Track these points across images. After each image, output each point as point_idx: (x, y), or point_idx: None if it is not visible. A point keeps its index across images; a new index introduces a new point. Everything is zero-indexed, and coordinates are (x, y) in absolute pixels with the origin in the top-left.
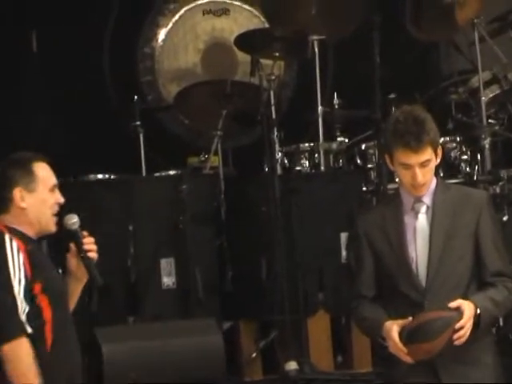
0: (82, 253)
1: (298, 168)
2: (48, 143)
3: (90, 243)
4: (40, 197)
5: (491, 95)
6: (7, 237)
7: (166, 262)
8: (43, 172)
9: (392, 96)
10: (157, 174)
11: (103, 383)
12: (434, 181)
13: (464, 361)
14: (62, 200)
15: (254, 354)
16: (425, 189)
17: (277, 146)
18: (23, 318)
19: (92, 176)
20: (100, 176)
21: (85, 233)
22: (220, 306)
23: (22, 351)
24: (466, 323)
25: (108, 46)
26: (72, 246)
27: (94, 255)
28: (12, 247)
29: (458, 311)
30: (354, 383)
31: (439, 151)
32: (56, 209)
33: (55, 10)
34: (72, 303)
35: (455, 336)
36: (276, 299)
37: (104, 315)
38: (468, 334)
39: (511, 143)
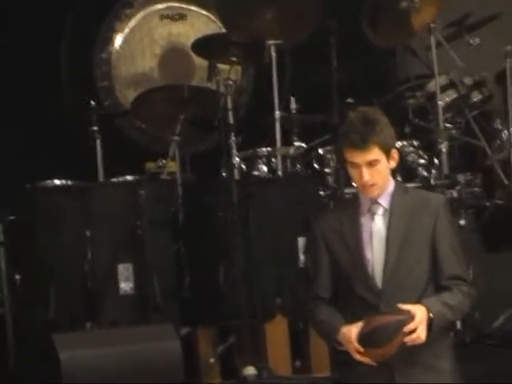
0: None
1: (255, 173)
2: (4, 149)
3: None
4: None
5: (448, 100)
6: None
7: (123, 268)
8: None
9: (349, 100)
10: (114, 180)
11: None
12: (392, 184)
13: (420, 365)
14: None
15: (212, 360)
16: (375, 190)
17: (234, 151)
18: None
19: (49, 182)
20: (57, 182)
21: None
22: (178, 312)
23: None
24: (418, 326)
25: (65, 51)
26: None
27: None
28: None
29: (409, 315)
30: None
31: (394, 154)
32: None
33: (12, 12)
34: None
35: (407, 339)
36: (234, 304)
37: (61, 322)
38: (421, 337)
39: (468, 147)
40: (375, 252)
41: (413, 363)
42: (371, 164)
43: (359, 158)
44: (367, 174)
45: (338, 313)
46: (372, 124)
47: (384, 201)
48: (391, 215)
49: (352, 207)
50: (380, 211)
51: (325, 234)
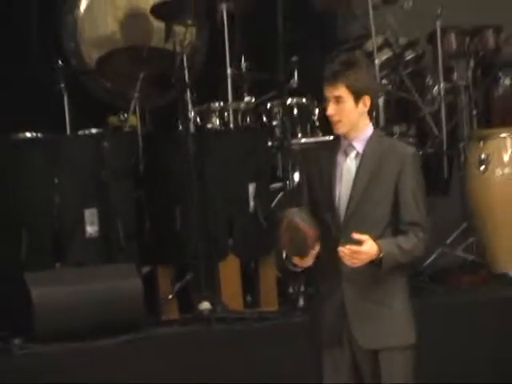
0: None
1: (209, 126)
2: None
3: None
4: None
5: (384, 58)
6: None
7: (89, 213)
8: None
9: (294, 59)
10: (80, 133)
11: (33, 325)
12: (370, 131)
13: (372, 300)
14: None
15: (171, 296)
16: (340, 127)
17: (190, 106)
18: None
19: (21, 134)
20: (28, 134)
21: None
22: (139, 253)
23: None
24: (362, 253)
25: (35, 12)
26: None
27: None
28: None
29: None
30: (260, 320)
31: (365, 100)
32: None
33: None
34: None
35: (348, 259)
36: (190, 246)
37: (32, 262)
38: (357, 263)
39: (403, 101)
40: (343, 188)
41: (365, 298)
42: (337, 100)
43: (328, 91)
44: (332, 109)
45: None
46: (347, 65)
47: (358, 144)
48: (362, 158)
49: (332, 148)
50: (353, 153)
51: (308, 173)
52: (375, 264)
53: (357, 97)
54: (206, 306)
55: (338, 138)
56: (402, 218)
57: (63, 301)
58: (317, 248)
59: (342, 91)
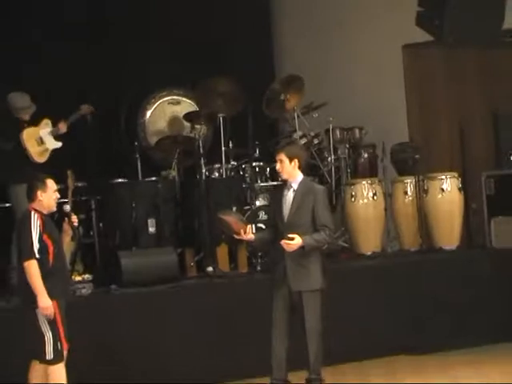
0: (70, 222)
1: (212, 176)
2: None
3: (74, 219)
4: (48, 195)
5: (302, 143)
6: (32, 212)
7: (150, 221)
8: (50, 183)
9: (257, 143)
10: (146, 179)
11: (122, 277)
12: (301, 177)
13: (298, 264)
14: (56, 196)
15: (192, 264)
16: (284, 175)
17: (202, 166)
18: (36, 250)
19: (116, 180)
20: (119, 180)
21: (72, 213)
22: (175, 241)
23: (32, 268)
24: (294, 242)
25: (123, 114)
26: (66, 219)
27: (75, 224)
28: (34, 216)
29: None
30: (238, 277)
31: (296, 161)
32: (55, 199)
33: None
34: (65, 244)
35: (286, 245)
36: (202, 237)
37: (122, 247)
38: (292, 248)
39: (312, 165)
40: (285, 209)
41: (296, 263)
42: (281, 161)
43: (276, 156)
44: (278, 166)
45: (266, 233)
46: (286, 144)
47: (295, 185)
48: (296, 192)
49: (283, 186)
50: (292, 189)
51: (271, 200)
52: (301, 248)
53: (291, 160)
54: (210, 269)
55: (284, 181)
56: (317, 223)
57: (138, 265)
58: (243, 230)
59: (282, 157)
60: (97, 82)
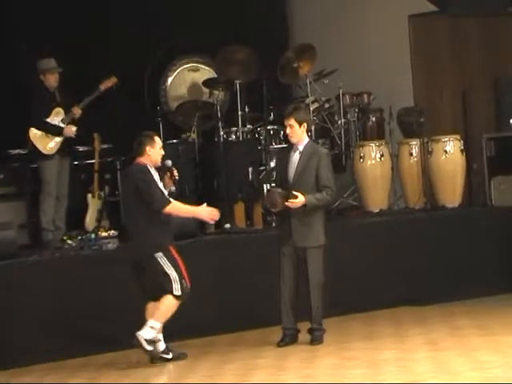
0: (172, 177)
1: (230, 139)
2: None
3: (175, 173)
4: (156, 150)
5: (314, 107)
6: (148, 166)
7: None
8: (157, 140)
9: (271, 107)
10: (168, 142)
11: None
12: (307, 141)
13: (302, 222)
14: (162, 153)
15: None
16: (293, 139)
17: (220, 129)
18: (166, 195)
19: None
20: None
21: (173, 168)
22: (196, 199)
23: (175, 207)
24: (299, 200)
25: (148, 79)
26: (168, 173)
27: (177, 178)
28: (151, 169)
29: (294, 194)
30: (254, 232)
31: (304, 125)
32: (161, 155)
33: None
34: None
35: (292, 203)
36: (220, 196)
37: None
38: (297, 205)
39: (323, 128)
40: (291, 169)
41: (300, 221)
42: (290, 126)
43: (286, 121)
44: (288, 130)
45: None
46: (295, 109)
47: (301, 147)
48: (301, 154)
49: (290, 148)
50: (298, 151)
51: (277, 161)
52: (303, 206)
53: (300, 124)
54: (227, 225)
55: (291, 144)
56: (319, 184)
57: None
58: (280, 206)
59: (292, 121)
60: (121, 52)
